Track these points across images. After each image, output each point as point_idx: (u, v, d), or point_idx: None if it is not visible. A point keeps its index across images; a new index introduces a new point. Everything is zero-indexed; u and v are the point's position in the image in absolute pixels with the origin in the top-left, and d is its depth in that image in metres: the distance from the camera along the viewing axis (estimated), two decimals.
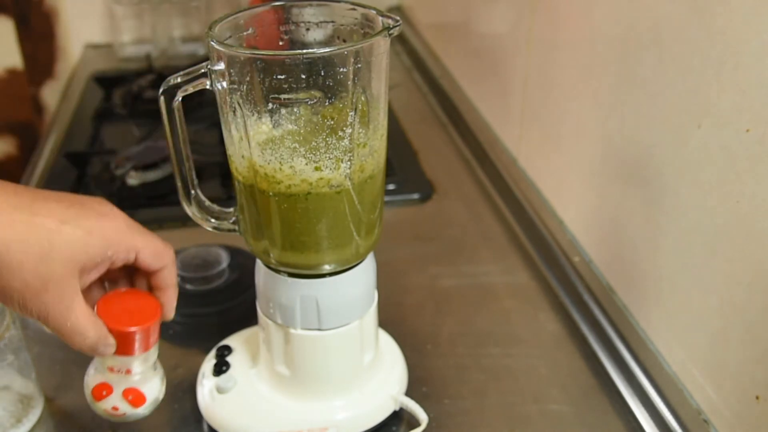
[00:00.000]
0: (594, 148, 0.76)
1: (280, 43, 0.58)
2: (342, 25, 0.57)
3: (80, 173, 1.03)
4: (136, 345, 0.49)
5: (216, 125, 1.06)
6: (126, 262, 0.50)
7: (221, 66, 0.51)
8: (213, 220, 0.60)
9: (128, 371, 0.50)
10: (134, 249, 0.49)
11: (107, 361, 0.50)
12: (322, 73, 0.50)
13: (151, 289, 0.53)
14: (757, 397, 0.55)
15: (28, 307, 0.47)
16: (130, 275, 0.53)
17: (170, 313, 0.53)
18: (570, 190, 0.84)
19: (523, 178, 0.95)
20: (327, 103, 0.52)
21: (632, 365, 0.68)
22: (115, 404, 0.51)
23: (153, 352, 0.51)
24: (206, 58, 0.53)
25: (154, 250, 0.51)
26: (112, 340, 0.50)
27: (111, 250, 0.48)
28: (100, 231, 0.47)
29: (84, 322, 0.48)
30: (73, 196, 0.49)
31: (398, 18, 0.53)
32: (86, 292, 0.50)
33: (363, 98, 0.53)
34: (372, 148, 0.55)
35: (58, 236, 0.46)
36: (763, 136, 0.52)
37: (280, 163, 0.53)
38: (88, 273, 0.48)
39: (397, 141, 1.12)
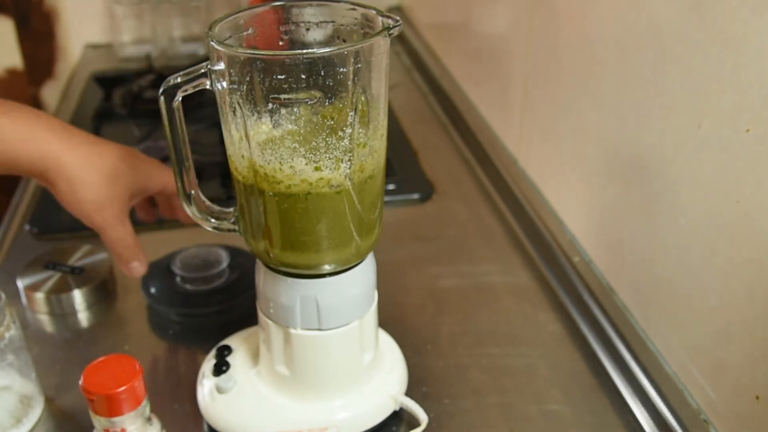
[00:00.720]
0: (594, 148, 0.76)
1: (280, 43, 0.58)
2: (342, 25, 0.57)
3: None
4: (125, 404, 0.53)
5: (216, 125, 1.06)
6: (159, 192, 0.69)
7: (221, 66, 0.51)
8: (213, 220, 0.60)
9: (123, 430, 0.54)
10: (163, 184, 0.68)
11: (103, 423, 0.53)
12: (322, 73, 0.50)
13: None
14: (757, 397, 0.55)
15: (92, 218, 0.63)
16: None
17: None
18: (570, 190, 0.84)
19: (523, 178, 0.95)
20: (327, 103, 0.52)
21: (632, 365, 0.68)
22: None
23: (144, 407, 0.54)
24: (206, 58, 0.53)
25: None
26: (143, 259, 0.69)
27: (151, 183, 0.66)
28: (146, 170, 0.64)
29: (130, 234, 0.66)
30: (115, 143, 0.66)
31: (398, 18, 0.53)
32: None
33: (363, 98, 0.53)
34: (372, 148, 0.55)
35: (121, 167, 0.63)
36: (763, 136, 0.52)
37: (280, 163, 0.53)
38: (135, 198, 0.67)
39: (397, 141, 1.12)
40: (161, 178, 0.67)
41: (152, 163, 0.67)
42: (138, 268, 0.68)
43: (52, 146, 0.60)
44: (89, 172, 0.61)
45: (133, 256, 0.67)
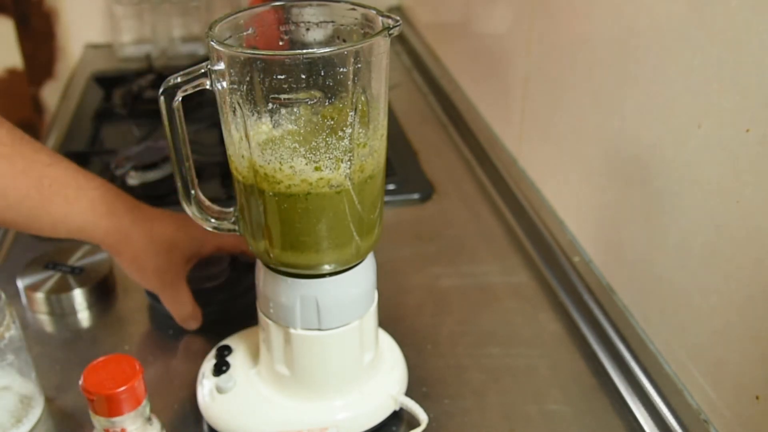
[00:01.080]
0: (594, 148, 0.76)
1: (280, 43, 0.58)
2: (342, 25, 0.57)
3: None
4: (125, 404, 0.53)
5: (216, 125, 1.05)
6: (211, 254, 0.75)
7: (221, 66, 0.51)
8: (213, 221, 0.60)
9: (123, 430, 0.54)
10: (216, 246, 0.74)
11: (103, 424, 0.53)
12: (322, 73, 0.50)
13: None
14: (757, 397, 0.55)
15: (153, 282, 0.71)
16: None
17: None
18: (570, 190, 0.84)
19: (523, 178, 0.95)
20: (327, 103, 0.52)
21: (632, 365, 0.68)
22: None
23: (144, 407, 0.54)
24: (206, 58, 0.53)
25: (232, 243, 0.75)
26: (199, 317, 0.74)
27: (204, 248, 0.73)
28: (199, 236, 0.70)
29: (187, 297, 0.72)
30: (172, 214, 0.72)
31: (398, 18, 0.53)
32: None
33: (363, 98, 0.53)
34: (372, 148, 0.55)
35: (178, 236, 0.70)
36: (763, 136, 0.52)
37: (280, 163, 0.53)
38: (190, 263, 0.73)
39: (397, 141, 1.12)
40: (213, 241, 0.73)
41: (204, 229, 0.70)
42: (192, 324, 0.74)
43: (123, 221, 0.67)
44: (152, 244, 0.68)
45: (188, 315, 0.73)
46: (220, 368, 0.65)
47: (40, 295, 0.78)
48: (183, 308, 0.72)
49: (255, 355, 0.66)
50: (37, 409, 0.66)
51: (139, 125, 1.19)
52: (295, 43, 0.58)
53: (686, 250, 0.62)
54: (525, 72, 0.93)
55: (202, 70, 0.52)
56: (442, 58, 1.32)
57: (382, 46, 0.53)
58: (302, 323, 0.60)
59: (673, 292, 0.65)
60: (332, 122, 0.52)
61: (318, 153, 0.53)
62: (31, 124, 1.40)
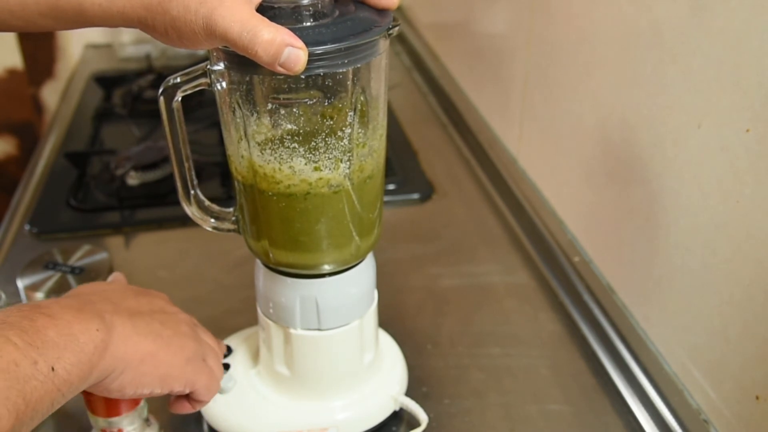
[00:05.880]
0: (594, 148, 0.76)
1: None
2: None
3: (80, 173, 1.03)
4: (123, 405, 0.52)
5: (216, 125, 1.06)
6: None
7: (221, 66, 0.51)
8: (213, 221, 0.60)
9: (120, 431, 0.54)
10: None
11: (100, 424, 0.53)
12: (322, 73, 0.50)
13: None
14: (757, 397, 0.55)
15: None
16: None
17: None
18: (570, 190, 0.84)
19: (523, 178, 0.95)
20: (326, 103, 0.52)
21: (632, 365, 0.68)
22: None
23: (142, 408, 0.54)
24: (206, 58, 0.53)
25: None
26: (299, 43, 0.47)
27: None
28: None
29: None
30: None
31: (398, 18, 0.53)
32: None
33: (362, 98, 0.53)
34: (371, 148, 0.55)
35: None
36: (763, 136, 0.52)
37: (280, 163, 0.53)
38: None
39: (397, 141, 1.12)
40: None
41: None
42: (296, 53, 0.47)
43: None
44: None
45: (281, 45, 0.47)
46: None
47: (40, 295, 0.78)
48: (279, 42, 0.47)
49: (255, 355, 0.66)
50: None
51: (139, 125, 1.19)
52: None
53: (686, 250, 0.62)
54: (525, 72, 0.93)
55: (202, 71, 0.52)
56: (442, 58, 1.32)
57: (381, 46, 0.53)
58: (302, 323, 0.60)
59: (673, 292, 0.65)
60: (332, 122, 0.52)
61: (317, 153, 0.53)
62: (31, 124, 1.40)
